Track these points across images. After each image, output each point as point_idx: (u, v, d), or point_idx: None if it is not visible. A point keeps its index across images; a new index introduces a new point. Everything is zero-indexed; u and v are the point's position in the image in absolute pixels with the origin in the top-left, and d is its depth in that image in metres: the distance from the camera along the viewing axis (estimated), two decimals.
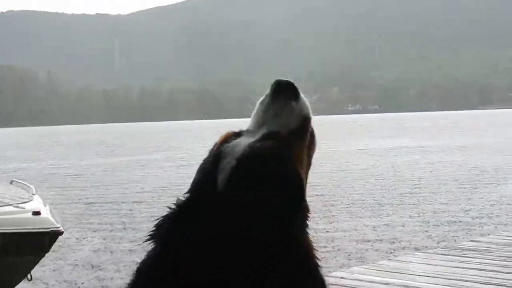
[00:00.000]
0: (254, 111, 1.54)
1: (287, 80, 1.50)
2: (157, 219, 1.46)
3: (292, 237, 1.41)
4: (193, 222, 1.42)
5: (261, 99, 1.54)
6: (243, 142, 1.46)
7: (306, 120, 1.50)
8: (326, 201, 16.27)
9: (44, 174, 27.58)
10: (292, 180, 1.44)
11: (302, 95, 1.51)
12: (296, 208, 1.44)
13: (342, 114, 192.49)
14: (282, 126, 1.47)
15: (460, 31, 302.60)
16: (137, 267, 1.44)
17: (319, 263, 1.45)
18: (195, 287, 1.38)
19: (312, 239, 1.46)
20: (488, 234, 10.01)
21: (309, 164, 1.55)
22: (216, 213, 1.41)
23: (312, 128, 1.54)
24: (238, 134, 1.51)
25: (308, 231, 1.46)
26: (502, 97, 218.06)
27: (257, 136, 1.47)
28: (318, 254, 1.46)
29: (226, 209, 1.40)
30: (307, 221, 1.47)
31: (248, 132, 1.50)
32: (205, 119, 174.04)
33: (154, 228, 1.45)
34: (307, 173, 1.52)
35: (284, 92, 1.49)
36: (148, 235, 1.45)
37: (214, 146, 1.51)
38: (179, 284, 1.39)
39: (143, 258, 1.43)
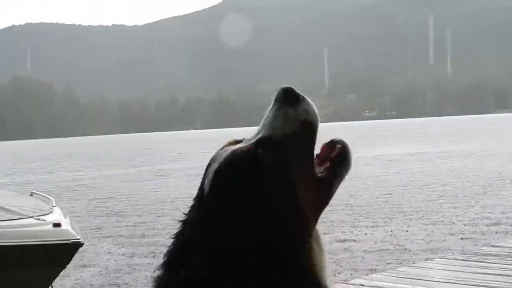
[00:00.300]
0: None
1: (287, 87, 1.49)
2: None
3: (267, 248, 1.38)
4: (185, 226, 1.48)
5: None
6: (232, 148, 1.48)
7: (304, 124, 1.47)
8: (343, 209, 16.23)
9: (63, 186, 27.75)
10: (271, 184, 1.41)
11: (306, 101, 1.49)
12: (278, 213, 1.40)
13: (359, 120, 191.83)
14: (275, 131, 1.46)
15: (476, 35, 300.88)
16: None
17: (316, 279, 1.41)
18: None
19: (315, 254, 1.42)
20: (509, 240, 9.93)
21: (322, 172, 1.48)
22: (201, 217, 1.45)
23: (343, 144, 1.50)
24: (237, 142, 1.53)
25: (314, 245, 1.43)
26: None
27: (251, 142, 1.48)
28: (317, 271, 1.42)
29: (209, 212, 1.44)
30: (307, 231, 1.43)
31: (247, 139, 1.51)
32: (222, 127, 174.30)
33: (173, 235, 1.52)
34: (316, 184, 1.46)
35: (283, 99, 1.48)
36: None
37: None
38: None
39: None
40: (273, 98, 1.51)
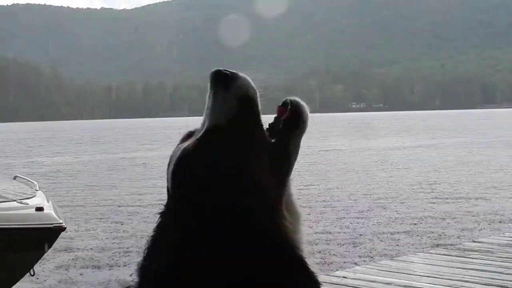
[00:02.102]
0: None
1: (217, 70, 1.49)
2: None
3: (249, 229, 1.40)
4: (165, 217, 1.50)
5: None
6: (182, 147, 1.49)
7: (242, 102, 1.47)
8: (327, 201, 16.28)
9: (48, 170, 27.61)
10: (226, 171, 1.42)
11: (239, 77, 1.48)
12: (242, 195, 1.41)
13: (346, 111, 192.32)
14: (216, 119, 1.46)
15: (465, 30, 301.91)
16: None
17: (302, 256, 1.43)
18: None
19: (286, 221, 1.44)
20: (490, 235, 10.00)
21: (286, 133, 1.49)
22: (170, 218, 1.47)
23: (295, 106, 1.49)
24: (190, 135, 1.53)
25: (283, 218, 1.44)
26: (506, 96, 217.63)
27: (199, 134, 1.48)
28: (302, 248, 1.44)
29: (175, 213, 1.46)
30: (275, 208, 1.45)
31: (197, 131, 1.51)
32: None
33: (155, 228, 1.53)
34: (267, 149, 1.47)
35: (216, 83, 1.48)
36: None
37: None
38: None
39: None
40: (208, 83, 1.50)
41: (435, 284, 6.42)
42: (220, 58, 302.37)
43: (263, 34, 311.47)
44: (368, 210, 14.67)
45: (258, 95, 1.48)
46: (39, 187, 8.24)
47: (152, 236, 1.51)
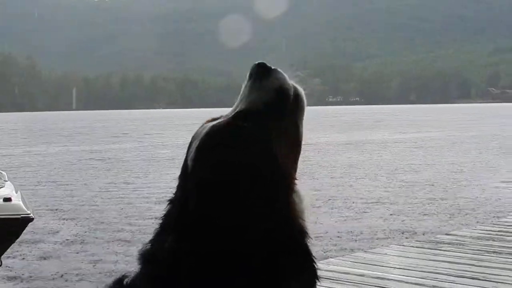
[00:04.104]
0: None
1: (260, 62, 1.56)
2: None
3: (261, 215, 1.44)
4: (173, 204, 1.52)
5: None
6: (211, 124, 1.52)
7: (277, 92, 1.53)
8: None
9: (19, 161, 27.34)
10: (254, 153, 1.47)
11: (278, 71, 1.56)
12: (264, 180, 1.46)
13: (322, 105, 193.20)
14: (251, 103, 1.52)
15: (442, 25, 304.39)
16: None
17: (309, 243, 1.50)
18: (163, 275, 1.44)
19: (298, 207, 1.49)
20: (462, 229, 10.09)
21: (296, 132, 1.57)
22: (186, 194, 1.48)
23: (298, 93, 1.58)
24: (215, 119, 1.57)
25: (296, 202, 1.50)
26: (481, 91, 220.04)
27: (228, 118, 1.52)
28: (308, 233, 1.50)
29: (195, 188, 1.46)
30: (291, 191, 1.50)
31: (224, 116, 1.55)
32: (186, 107, 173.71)
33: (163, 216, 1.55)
34: (294, 142, 1.55)
35: (256, 73, 1.55)
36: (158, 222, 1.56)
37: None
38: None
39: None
40: (247, 74, 1.57)
41: (408, 276, 6.46)
42: (197, 51, 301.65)
43: (242, 27, 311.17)
44: (341, 203, 14.72)
45: (292, 90, 1.56)
46: (8, 177, 8.16)
47: (160, 224, 1.52)
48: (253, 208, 1.43)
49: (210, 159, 1.47)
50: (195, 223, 1.44)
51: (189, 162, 1.50)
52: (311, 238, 1.49)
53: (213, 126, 1.50)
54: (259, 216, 1.43)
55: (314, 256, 1.50)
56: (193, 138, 1.53)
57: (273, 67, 1.57)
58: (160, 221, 1.52)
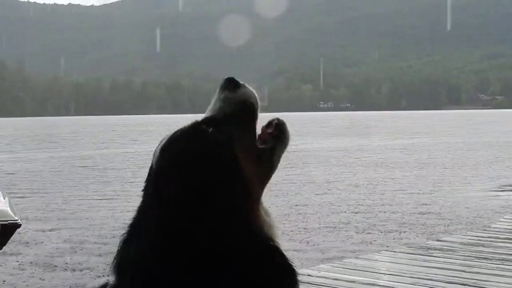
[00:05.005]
0: None
1: (229, 77, 1.68)
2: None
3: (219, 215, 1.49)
4: (141, 206, 1.57)
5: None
6: (176, 129, 1.60)
7: (242, 105, 1.62)
8: (290, 200, 16.34)
9: (6, 167, 27.20)
10: (216, 155, 1.53)
11: (245, 86, 1.66)
12: (225, 182, 1.52)
13: (314, 111, 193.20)
14: (216, 111, 1.62)
15: (431, 32, 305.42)
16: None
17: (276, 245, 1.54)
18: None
19: (263, 218, 1.55)
20: (452, 234, 10.15)
21: (255, 143, 1.63)
22: (148, 197, 1.56)
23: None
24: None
25: (261, 210, 1.56)
26: (470, 98, 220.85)
27: (195, 121, 1.62)
28: (275, 234, 1.55)
29: (154, 190, 1.54)
30: (253, 198, 1.56)
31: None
32: (177, 113, 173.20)
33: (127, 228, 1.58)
34: (254, 153, 1.60)
35: (225, 86, 1.65)
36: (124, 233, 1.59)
37: None
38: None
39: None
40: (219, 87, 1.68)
41: (398, 282, 6.49)
42: (187, 56, 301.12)
43: (232, 32, 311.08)
44: (331, 209, 14.76)
45: (258, 105, 1.65)
46: None
47: (131, 224, 1.56)
48: (215, 210, 1.48)
49: (173, 158, 1.53)
50: (158, 229, 1.48)
51: (153, 163, 1.57)
52: (278, 243, 1.54)
53: (178, 130, 1.58)
54: (220, 218, 1.48)
55: (287, 257, 1.54)
56: (160, 142, 1.59)
57: (241, 82, 1.66)
58: (127, 229, 1.56)
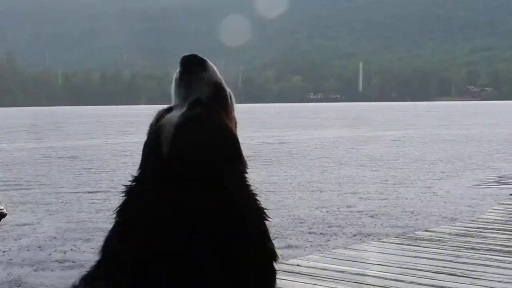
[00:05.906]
0: (172, 88, 1.79)
1: (192, 54, 1.76)
2: (121, 196, 1.66)
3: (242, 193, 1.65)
4: (145, 194, 1.62)
5: (174, 76, 1.78)
6: (176, 114, 1.69)
7: (217, 86, 1.71)
8: (277, 190, 16.35)
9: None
10: (227, 133, 1.67)
11: (209, 63, 1.74)
12: (237, 158, 1.66)
13: (304, 102, 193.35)
14: (201, 93, 1.71)
15: (421, 24, 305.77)
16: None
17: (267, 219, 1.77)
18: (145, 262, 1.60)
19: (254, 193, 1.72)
20: (441, 225, 10.19)
21: (234, 123, 1.77)
22: (165, 181, 1.60)
23: (228, 91, 1.75)
24: (169, 110, 1.75)
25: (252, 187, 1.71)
26: (461, 89, 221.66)
27: (186, 107, 1.70)
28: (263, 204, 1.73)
29: (174, 174, 1.60)
30: (246, 174, 1.70)
31: (176, 106, 1.74)
32: (167, 103, 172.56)
33: (118, 208, 1.67)
34: (235, 125, 1.77)
35: (192, 65, 1.73)
36: (114, 213, 1.68)
37: (152, 124, 1.74)
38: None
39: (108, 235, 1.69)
40: (179, 66, 1.74)
41: (387, 272, 6.52)
42: (178, 47, 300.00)
43: (222, 22, 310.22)
44: (321, 199, 14.78)
45: (223, 82, 1.75)
46: None
47: (122, 215, 1.63)
48: (230, 183, 1.62)
49: (190, 143, 1.63)
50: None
51: (165, 149, 1.63)
52: (269, 221, 1.75)
53: (187, 116, 1.67)
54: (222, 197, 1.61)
55: (272, 242, 1.76)
56: (161, 127, 1.66)
57: (204, 58, 1.74)
58: (123, 212, 1.64)
